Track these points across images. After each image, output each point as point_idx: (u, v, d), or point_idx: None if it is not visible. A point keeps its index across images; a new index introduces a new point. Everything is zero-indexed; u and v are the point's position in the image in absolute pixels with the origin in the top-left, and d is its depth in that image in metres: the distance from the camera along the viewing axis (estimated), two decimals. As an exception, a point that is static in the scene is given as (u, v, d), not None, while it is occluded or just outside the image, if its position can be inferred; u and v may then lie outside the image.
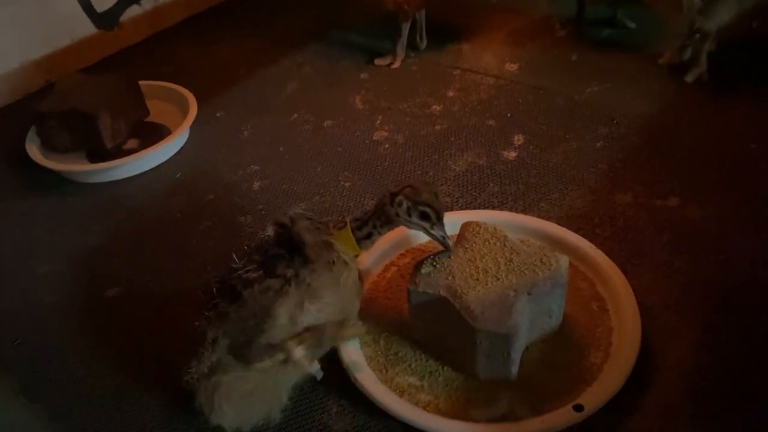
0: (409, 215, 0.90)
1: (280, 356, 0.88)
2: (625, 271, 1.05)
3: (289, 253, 0.88)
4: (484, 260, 0.95)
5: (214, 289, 0.90)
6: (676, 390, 0.92)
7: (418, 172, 1.36)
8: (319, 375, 0.94)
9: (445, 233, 0.92)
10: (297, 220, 0.89)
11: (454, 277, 0.93)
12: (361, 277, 0.97)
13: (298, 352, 0.87)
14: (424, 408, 0.90)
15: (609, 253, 1.08)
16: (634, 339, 0.94)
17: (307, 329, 0.89)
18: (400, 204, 0.90)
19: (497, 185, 1.30)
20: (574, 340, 0.97)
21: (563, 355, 0.95)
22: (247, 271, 0.87)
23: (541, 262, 0.94)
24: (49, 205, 1.40)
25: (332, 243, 0.90)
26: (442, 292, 0.91)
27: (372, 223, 0.92)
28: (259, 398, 0.88)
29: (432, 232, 0.92)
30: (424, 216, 0.90)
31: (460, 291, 0.91)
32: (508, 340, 0.87)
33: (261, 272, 0.87)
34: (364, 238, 0.92)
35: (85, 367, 1.04)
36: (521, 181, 1.30)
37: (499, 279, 0.92)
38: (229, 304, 0.87)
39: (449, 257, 0.94)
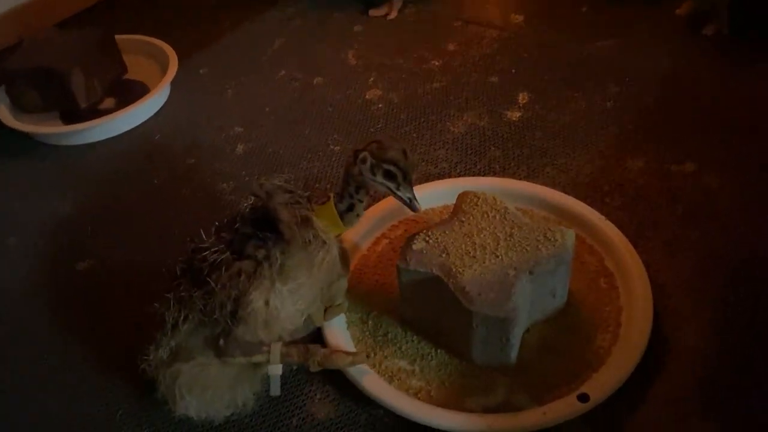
0: (373, 174, 0.81)
1: (259, 357, 0.80)
2: (635, 245, 0.97)
3: (260, 231, 0.80)
4: (482, 235, 0.86)
5: (178, 270, 0.81)
6: (687, 376, 0.84)
7: (414, 135, 1.26)
8: (276, 392, 0.85)
9: (413, 194, 0.83)
10: (274, 194, 0.80)
11: (448, 254, 0.84)
12: (347, 255, 0.89)
13: (276, 368, 0.81)
14: (416, 395, 0.83)
15: (619, 225, 0.99)
16: (645, 321, 0.86)
17: (295, 345, 0.82)
18: (363, 161, 0.81)
19: (499, 149, 1.20)
20: (580, 321, 0.89)
21: (567, 338, 0.87)
22: (215, 252, 0.79)
23: (545, 237, 0.85)
24: (19, 170, 1.32)
25: (311, 219, 0.81)
26: (435, 271, 0.83)
27: (348, 191, 0.83)
28: (225, 387, 0.81)
29: (398, 193, 0.82)
30: (388, 175, 0.81)
31: (455, 270, 0.82)
32: (507, 324, 0.79)
33: (228, 253, 0.79)
34: (347, 211, 0.83)
35: (54, 345, 0.97)
36: (525, 145, 1.20)
37: (498, 256, 0.84)
38: (193, 288, 0.79)
39: (420, 268, 0.85)
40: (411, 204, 0.83)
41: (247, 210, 0.82)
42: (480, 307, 0.79)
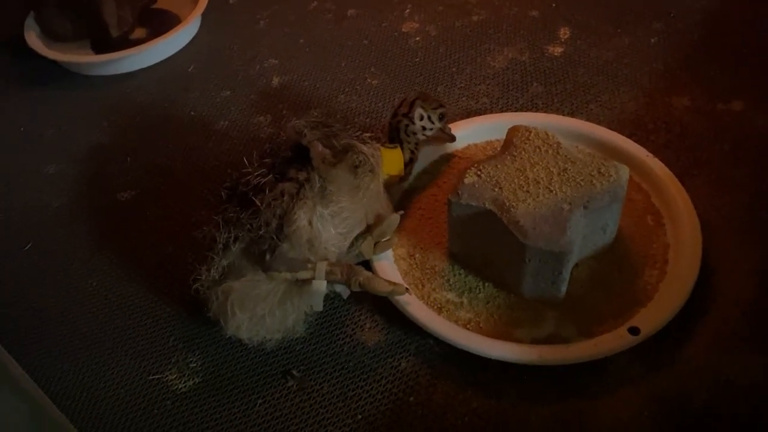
0: (432, 122, 0.95)
1: (304, 274, 0.81)
2: (682, 182, 0.96)
3: (301, 159, 0.83)
4: (535, 170, 0.86)
5: (223, 195, 0.84)
6: (734, 312, 0.84)
7: (453, 70, 1.24)
8: (345, 293, 0.88)
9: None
10: (307, 132, 0.84)
11: (501, 188, 0.84)
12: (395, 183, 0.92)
13: (320, 284, 0.81)
14: (464, 326, 0.84)
15: (664, 162, 0.99)
16: (693, 257, 0.86)
17: (339, 264, 0.83)
18: (421, 117, 0.94)
19: (541, 85, 1.18)
20: (628, 257, 0.89)
21: (615, 274, 0.88)
22: (258, 176, 0.81)
23: (599, 172, 0.85)
24: (50, 99, 1.30)
25: (356, 145, 0.84)
26: (487, 205, 0.83)
27: (408, 149, 0.94)
28: (275, 304, 0.82)
29: (445, 130, 0.98)
30: (443, 117, 0.97)
31: (508, 204, 0.82)
32: (561, 258, 0.79)
33: (271, 176, 0.81)
34: (407, 164, 0.94)
35: (98, 275, 0.98)
36: (568, 81, 1.18)
37: (551, 191, 0.83)
38: (240, 210, 0.81)
39: (473, 201, 0.85)
40: (452, 135, 1.00)
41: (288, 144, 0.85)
42: (534, 241, 0.79)
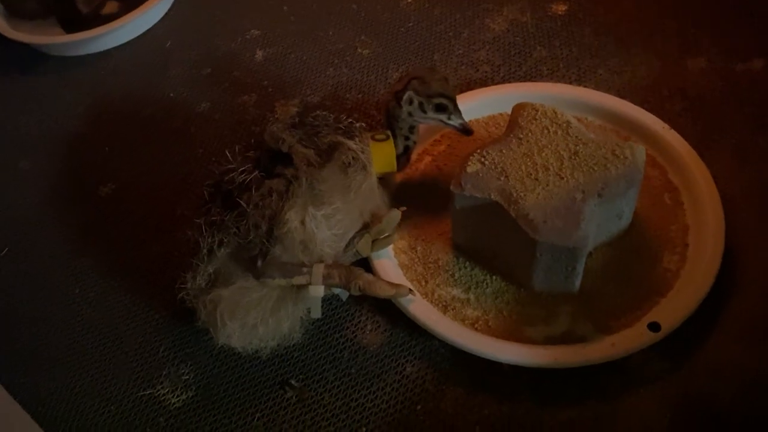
0: (424, 111, 0.81)
1: (299, 279, 0.75)
2: (700, 154, 0.89)
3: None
4: (543, 154, 0.79)
5: (206, 194, 0.77)
6: (761, 298, 0.79)
7: (450, 34, 1.15)
8: (344, 295, 0.82)
9: (463, 118, 0.82)
10: (285, 138, 0.77)
11: (507, 176, 0.77)
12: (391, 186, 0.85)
13: (317, 289, 0.76)
14: (472, 326, 0.79)
15: (681, 133, 0.91)
16: (716, 239, 0.80)
17: (337, 267, 0.77)
18: (410, 101, 0.80)
19: (545, 48, 1.09)
20: (645, 242, 0.83)
21: (632, 262, 0.82)
22: (242, 173, 0.74)
23: (613, 154, 0.78)
24: (20, 85, 1.22)
25: (344, 143, 0.77)
26: (493, 196, 0.76)
27: (401, 135, 0.83)
28: (268, 311, 0.77)
29: (450, 122, 0.83)
30: (440, 108, 0.81)
31: (515, 194, 0.75)
32: (576, 253, 0.73)
33: (257, 173, 0.75)
34: (403, 154, 0.83)
35: (81, 282, 0.92)
36: (574, 43, 1.09)
37: (563, 178, 0.76)
38: (224, 211, 0.74)
39: (478, 193, 0.78)
40: (464, 129, 0.82)
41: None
42: (546, 237, 0.73)
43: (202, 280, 0.76)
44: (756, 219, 0.85)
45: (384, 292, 0.77)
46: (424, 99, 0.80)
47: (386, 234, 0.82)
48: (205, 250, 0.75)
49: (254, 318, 0.76)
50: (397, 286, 0.78)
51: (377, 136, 0.81)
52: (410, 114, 0.81)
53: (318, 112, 0.82)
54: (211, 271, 0.75)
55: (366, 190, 0.79)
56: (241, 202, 0.73)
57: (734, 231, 0.83)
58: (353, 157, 0.77)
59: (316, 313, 0.78)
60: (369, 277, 0.78)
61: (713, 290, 0.77)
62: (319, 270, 0.76)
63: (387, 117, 0.84)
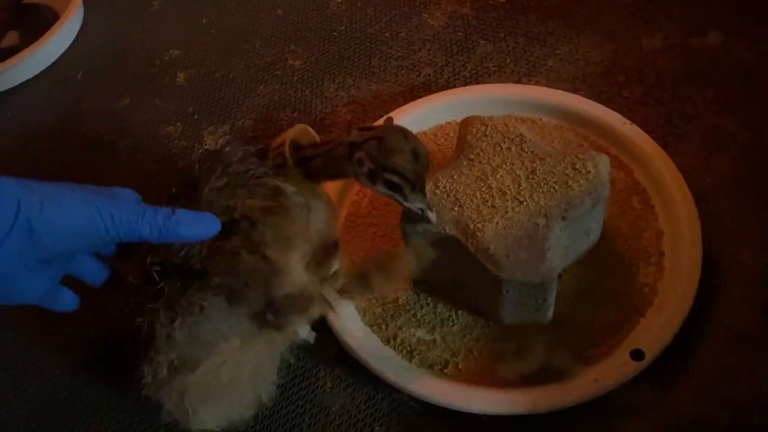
0: (373, 182, 0.63)
1: (316, 310, 0.67)
2: (666, 146, 0.83)
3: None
4: (498, 176, 0.71)
5: (155, 275, 0.64)
6: (748, 303, 0.73)
7: (386, 35, 1.06)
8: (312, 338, 0.75)
9: (426, 204, 0.66)
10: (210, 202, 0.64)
11: (462, 205, 0.69)
12: (332, 201, 0.74)
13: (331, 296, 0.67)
14: (441, 371, 0.72)
15: (644, 123, 0.84)
16: (693, 245, 0.73)
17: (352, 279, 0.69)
18: (360, 163, 0.63)
19: (490, 42, 1.01)
20: (618, 255, 0.76)
21: (606, 279, 0.75)
22: (194, 245, 0.62)
23: (574, 169, 0.70)
24: None
25: (282, 189, 0.65)
26: (448, 230, 0.69)
27: (319, 172, 0.67)
28: (245, 382, 0.68)
29: (406, 204, 0.65)
30: (392, 187, 0.63)
31: (473, 226, 0.68)
32: (544, 288, 0.66)
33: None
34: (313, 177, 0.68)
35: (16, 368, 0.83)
36: (520, 33, 1.01)
37: (522, 202, 0.69)
38: (182, 287, 0.63)
39: (432, 228, 0.69)
40: (423, 215, 0.66)
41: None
42: (511, 273, 0.65)
43: (163, 368, 0.66)
44: (731, 213, 0.79)
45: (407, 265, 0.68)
46: (376, 168, 0.63)
47: (333, 270, 0.73)
48: (163, 336, 0.64)
49: (229, 397, 0.67)
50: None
51: (276, 161, 0.67)
52: (356, 176, 0.65)
53: (229, 148, 0.71)
54: (172, 357, 0.65)
55: (320, 223, 0.70)
56: (213, 273, 0.62)
57: (710, 229, 0.77)
58: (293, 202, 0.67)
59: (310, 336, 0.72)
60: (380, 259, 0.71)
61: (695, 299, 0.71)
62: (328, 286, 0.68)
63: (331, 161, 0.67)
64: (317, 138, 0.70)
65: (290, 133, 0.67)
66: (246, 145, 0.68)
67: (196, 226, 0.60)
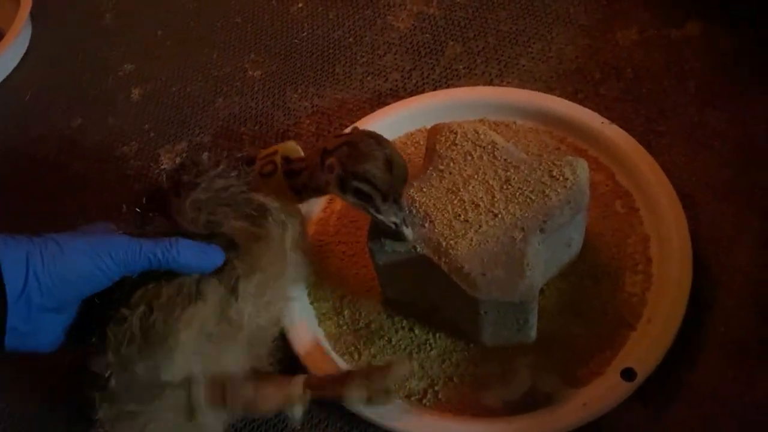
0: (342, 190, 0.59)
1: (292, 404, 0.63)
2: (648, 145, 0.78)
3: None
4: (470, 187, 0.66)
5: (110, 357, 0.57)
6: (743, 311, 0.68)
7: (350, 40, 1.00)
8: (299, 413, 0.65)
9: (401, 218, 0.61)
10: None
11: (433, 221, 0.64)
12: (303, 222, 0.69)
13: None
14: (420, 401, 0.66)
15: (622, 121, 0.80)
16: (682, 249, 0.69)
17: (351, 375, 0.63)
18: (330, 169, 0.58)
19: (459, 43, 0.96)
20: (602, 265, 0.71)
21: (591, 291, 0.70)
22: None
23: (551, 176, 0.65)
24: None
25: (266, 206, 0.61)
26: (419, 249, 0.63)
27: (306, 186, 0.63)
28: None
29: (378, 216, 0.61)
30: (360, 195, 0.59)
31: (445, 243, 0.63)
32: (525, 308, 0.61)
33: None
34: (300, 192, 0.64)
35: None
36: (489, 32, 0.96)
37: (497, 215, 0.64)
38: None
39: (399, 247, 0.64)
40: (397, 230, 0.61)
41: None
42: (487, 293, 0.60)
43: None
44: (719, 212, 0.74)
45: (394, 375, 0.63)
46: (346, 175, 0.58)
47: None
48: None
49: None
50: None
51: (265, 169, 0.63)
52: (327, 184, 0.61)
53: (206, 154, 0.65)
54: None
55: (299, 238, 0.65)
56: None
57: (698, 231, 0.72)
58: (272, 221, 0.62)
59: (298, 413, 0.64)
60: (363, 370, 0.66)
61: (687, 308, 0.66)
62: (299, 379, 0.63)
63: (312, 173, 0.62)
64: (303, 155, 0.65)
65: (280, 147, 0.63)
66: (230, 153, 0.64)
67: (202, 259, 0.57)
